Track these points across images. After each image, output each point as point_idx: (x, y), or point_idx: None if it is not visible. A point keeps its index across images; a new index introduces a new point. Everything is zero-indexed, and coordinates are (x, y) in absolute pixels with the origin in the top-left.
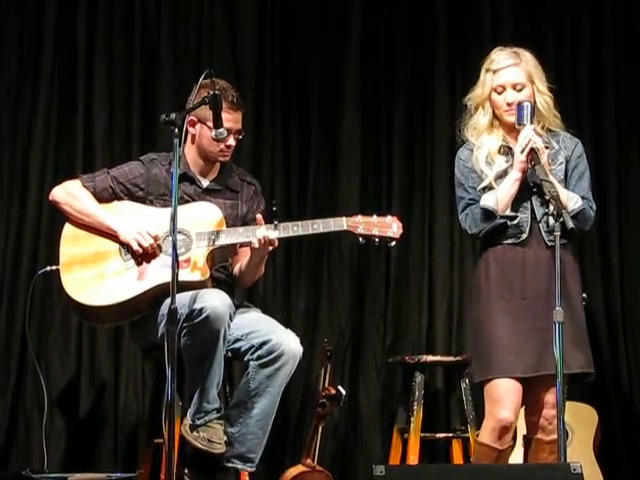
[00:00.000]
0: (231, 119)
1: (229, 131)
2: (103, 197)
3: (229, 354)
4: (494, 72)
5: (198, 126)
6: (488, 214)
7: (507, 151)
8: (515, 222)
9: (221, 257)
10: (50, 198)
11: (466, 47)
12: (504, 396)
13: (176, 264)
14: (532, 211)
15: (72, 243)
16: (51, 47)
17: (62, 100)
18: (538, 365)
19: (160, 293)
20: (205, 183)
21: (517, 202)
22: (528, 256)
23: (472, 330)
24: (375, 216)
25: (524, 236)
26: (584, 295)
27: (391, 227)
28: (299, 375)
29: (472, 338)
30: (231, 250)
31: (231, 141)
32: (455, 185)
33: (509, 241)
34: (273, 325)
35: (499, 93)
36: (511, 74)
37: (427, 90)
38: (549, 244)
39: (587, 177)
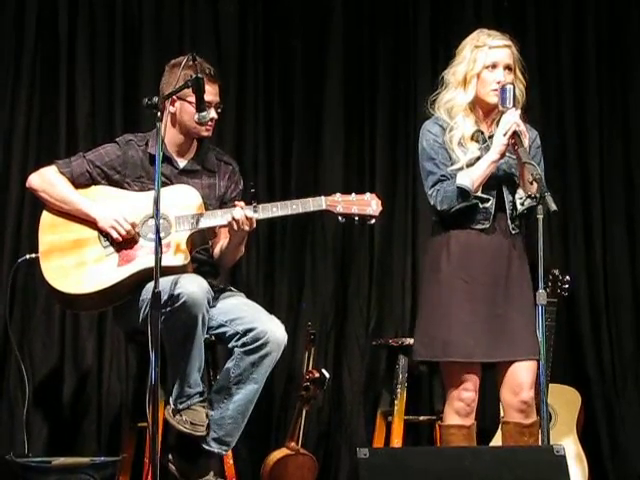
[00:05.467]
0: (211, 91)
1: (209, 104)
2: (81, 182)
3: (213, 338)
4: (489, 48)
5: (178, 104)
6: (463, 193)
7: (480, 138)
8: (487, 205)
9: (200, 240)
10: (27, 185)
11: (449, 28)
12: (466, 378)
13: (159, 248)
14: (498, 198)
15: (50, 231)
16: (33, 29)
17: (44, 84)
18: (494, 351)
19: (141, 278)
20: (182, 164)
21: (484, 189)
22: (490, 242)
23: (427, 308)
24: (354, 194)
25: (488, 223)
26: (567, 277)
27: (370, 205)
28: (283, 358)
29: (427, 316)
30: (210, 233)
31: (213, 114)
32: (422, 158)
33: (474, 226)
34: (258, 312)
35: (490, 71)
36: (506, 54)
37: (410, 69)
38: (512, 232)
39: (542, 168)
